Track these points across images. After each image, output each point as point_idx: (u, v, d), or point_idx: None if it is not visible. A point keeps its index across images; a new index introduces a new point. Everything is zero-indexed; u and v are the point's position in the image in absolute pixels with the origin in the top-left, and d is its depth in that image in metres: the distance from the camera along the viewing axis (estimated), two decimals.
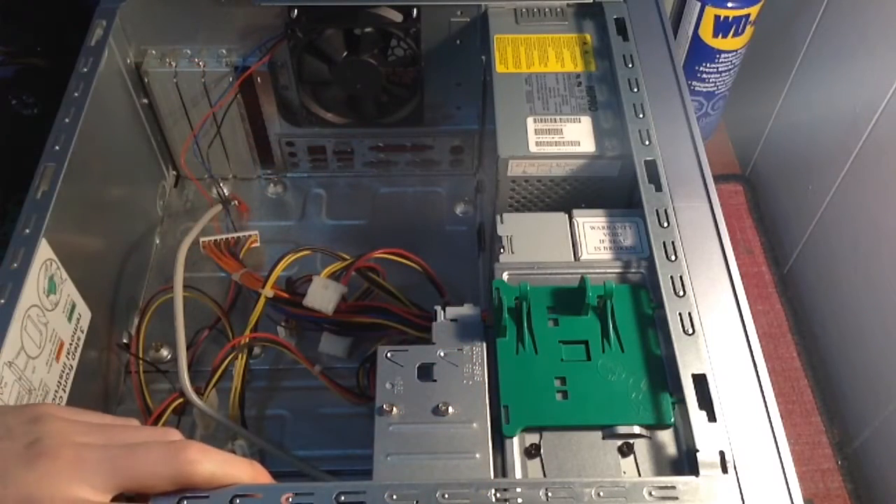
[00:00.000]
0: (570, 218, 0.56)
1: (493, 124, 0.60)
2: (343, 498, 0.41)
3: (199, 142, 0.76)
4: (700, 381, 0.46)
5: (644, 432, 0.46)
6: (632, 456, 0.45)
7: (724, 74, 0.84)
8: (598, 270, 0.53)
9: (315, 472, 0.59)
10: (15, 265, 0.51)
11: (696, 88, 0.86)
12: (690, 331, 0.48)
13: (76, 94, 0.61)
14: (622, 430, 0.46)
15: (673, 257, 0.51)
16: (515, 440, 0.46)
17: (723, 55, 0.82)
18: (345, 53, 0.69)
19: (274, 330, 0.66)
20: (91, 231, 0.61)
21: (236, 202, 0.76)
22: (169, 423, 0.60)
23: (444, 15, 0.69)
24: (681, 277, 0.50)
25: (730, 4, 0.78)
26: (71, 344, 0.56)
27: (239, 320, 0.66)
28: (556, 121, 0.59)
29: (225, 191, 0.78)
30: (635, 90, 0.60)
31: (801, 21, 0.80)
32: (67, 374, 0.56)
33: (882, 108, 0.66)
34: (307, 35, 0.67)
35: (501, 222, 0.55)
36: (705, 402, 0.45)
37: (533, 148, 0.58)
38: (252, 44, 0.71)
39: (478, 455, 0.44)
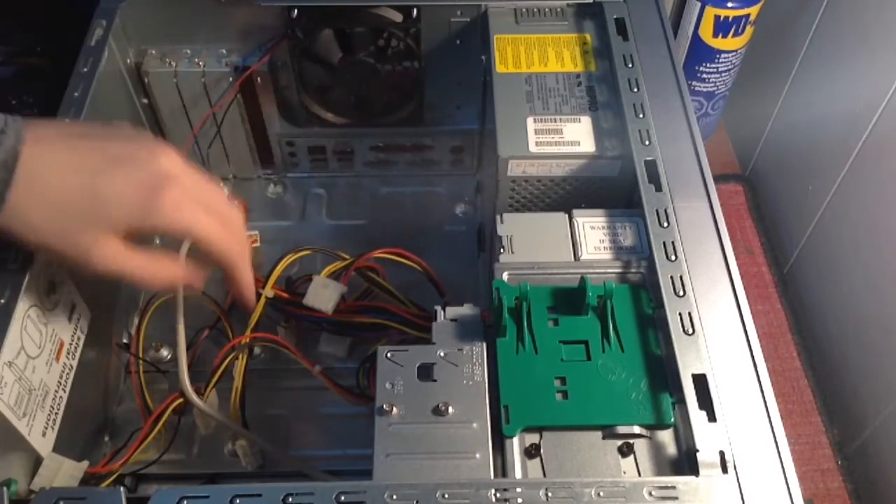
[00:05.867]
0: (570, 218, 0.56)
1: (493, 124, 0.60)
2: (343, 498, 0.41)
3: (200, 142, 0.76)
4: (700, 381, 0.46)
5: (644, 432, 0.46)
6: (632, 456, 0.46)
7: (724, 74, 0.84)
8: (598, 270, 0.53)
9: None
10: (15, 265, 0.51)
11: (696, 88, 0.86)
12: (690, 331, 0.48)
13: (76, 94, 0.61)
14: (622, 430, 0.46)
15: (673, 257, 0.51)
16: (515, 440, 0.46)
17: (723, 55, 0.82)
18: (340, 55, 0.69)
19: (274, 330, 0.66)
20: None
21: (236, 202, 0.76)
22: (169, 423, 0.60)
23: (444, 15, 0.69)
24: (681, 277, 0.50)
25: (730, 4, 0.78)
26: (71, 344, 0.56)
27: (239, 320, 0.66)
28: (556, 121, 0.59)
29: (225, 191, 0.79)
30: (635, 90, 0.60)
31: (801, 21, 0.80)
32: (67, 374, 0.56)
33: (882, 108, 0.66)
34: (307, 35, 0.67)
35: (501, 222, 0.55)
36: (705, 402, 0.45)
37: (533, 148, 0.58)
38: (252, 44, 0.71)
39: (478, 455, 0.44)
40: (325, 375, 0.62)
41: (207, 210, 0.49)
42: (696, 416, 0.45)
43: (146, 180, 0.46)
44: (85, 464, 0.54)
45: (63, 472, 0.52)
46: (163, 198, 0.46)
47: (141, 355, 0.64)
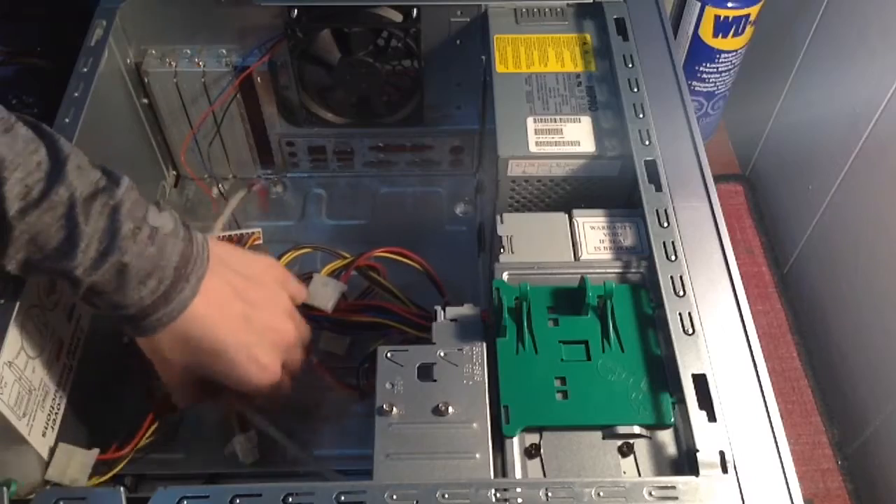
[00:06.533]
0: (570, 218, 0.56)
1: (493, 124, 0.60)
2: (343, 498, 0.41)
3: (200, 141, 0.76)
4: (700, 381, 0.46)
5: (644, 432, 0.46)
6: (632, 456, 0.45)
7: (724, 74, 0.84)
8: (598, 270, 0.53)
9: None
10: None
11: (696, 88, 0.86)
12: (690, 331, 0.48)
13: (76, 94, 0.61)
14: (622, 430, 0.46)
15: (673, 257, 0.51)
16: (515, 440, 0.46)
17: (723, 55, 0.82)
18: (340, 55, 0.69)
19: None
20: None
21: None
22: (170, 421, 0.59)
23: (444, 15, 0.69)
24: (681, 277, 0.50)
25: (730, 4, 0.78)
26: (71, 344, 0.56)
27: None
28: (556, 121, 0.59)
29: (225, 189, 0.79)
30: (635, 90, 0.60)
31: (801, 21, 0.80)
32: (67, 374, 0.56)
33: (882, 108, 0.66)
34: (307, 35, 0.67)
35: (501, 222, 0.55)
36: (705, 402, 0.45)
37: (533, 148, 0.58)
38: (252, 44, 0.71)
39: (478, 455, 0.44)
40: (322, 366, 0.62)
41: (286, 367, 0.55)
42: (696, 416, 0.45)
43: (267, 363, 0.52)
44: (95, 451, 0.54)
45: (75, 460, 0.53)
46: (262, 377, 0.53)
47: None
